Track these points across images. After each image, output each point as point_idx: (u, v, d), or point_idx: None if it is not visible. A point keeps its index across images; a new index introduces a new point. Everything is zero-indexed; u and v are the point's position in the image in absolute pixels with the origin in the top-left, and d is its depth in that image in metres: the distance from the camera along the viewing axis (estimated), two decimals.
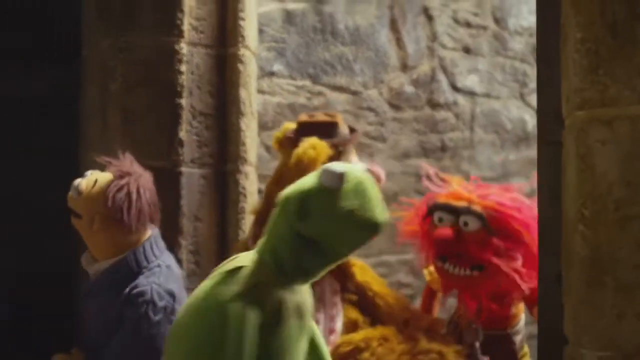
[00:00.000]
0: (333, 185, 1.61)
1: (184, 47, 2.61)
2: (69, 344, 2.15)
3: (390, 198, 3.46)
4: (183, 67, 2.61)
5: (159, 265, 2.10)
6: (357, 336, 2.32)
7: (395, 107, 3.57)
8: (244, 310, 1.58)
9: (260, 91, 3.11)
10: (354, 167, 1.71)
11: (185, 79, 2.61)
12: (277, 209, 1.69)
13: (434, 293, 2.71)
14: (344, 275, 2.47)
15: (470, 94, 3.82)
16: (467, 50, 3.82)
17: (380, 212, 1.65)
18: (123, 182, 2.07)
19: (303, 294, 1.67)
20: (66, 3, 2.72)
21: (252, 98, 2.75)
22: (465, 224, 2.28)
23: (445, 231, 2.31)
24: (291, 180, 2.22)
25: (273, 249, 1.65)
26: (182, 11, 2.60)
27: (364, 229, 1.64)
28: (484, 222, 2.27)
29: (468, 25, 3.83)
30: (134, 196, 2.07)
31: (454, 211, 2.31)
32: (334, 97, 3.39)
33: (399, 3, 3.57)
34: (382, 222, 1.64)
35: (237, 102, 2.69)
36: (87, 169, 2.51)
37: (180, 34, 2.60)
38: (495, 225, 2.29)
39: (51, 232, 2.61)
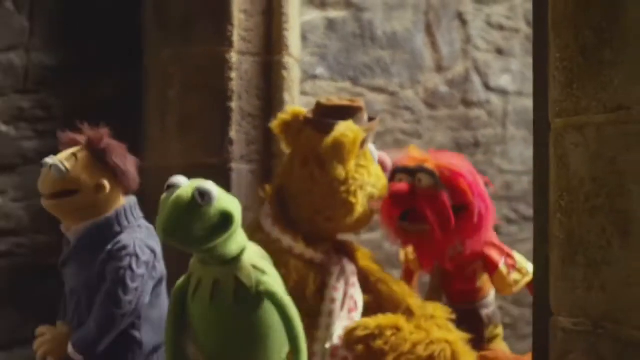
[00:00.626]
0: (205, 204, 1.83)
1: (233, 56, 2.89)
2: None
3: None
4: (233, 74, 2.89)
5: (139, 225, 2.20)
6: (371, 322, 2.34)
7: (430, 106, 3.82)
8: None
9: (304, 93, 3.37)
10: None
11: (234, 84, 2.89)
12: None
13: (412, 273, 2.84)
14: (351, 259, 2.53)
15: (503, 92, 4.05)
16: (499, 51, 4.05)
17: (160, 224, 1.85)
18: (110, 145, 2.19)
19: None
20: (127, 18, 3.02)
21: (295, 101, 3.03)
22: (420, 180, 2.41)
23: (400, 185, 2.44)
24: (320, 163, 2.36)
25: None
26: (232, 24, 2.89)
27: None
28: (435, 179, 2.40)
29: (501, 28, 4.06)
30: (127, 156, 2.22)
31: (410, 171, 2.44)
32: (373, 97, 3.65)
33: (434, 9, 3.82)
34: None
35: (281, 104, 2.97)
36: (150, 166, 2.81)
37: (230, 44, 2.88)
38: (445, 182, 2.41)
39: None
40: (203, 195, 1.80)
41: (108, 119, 2.58)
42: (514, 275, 2.63)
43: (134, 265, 2.10)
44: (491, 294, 2.74)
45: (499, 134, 4.03)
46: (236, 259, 1.92)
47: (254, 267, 1.94)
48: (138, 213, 2.24)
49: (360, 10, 3.60)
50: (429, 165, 2.44)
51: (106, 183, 2.16)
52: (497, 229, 3.86)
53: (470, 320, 2.59)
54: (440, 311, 2.46)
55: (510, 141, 4.06)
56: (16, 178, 2.79)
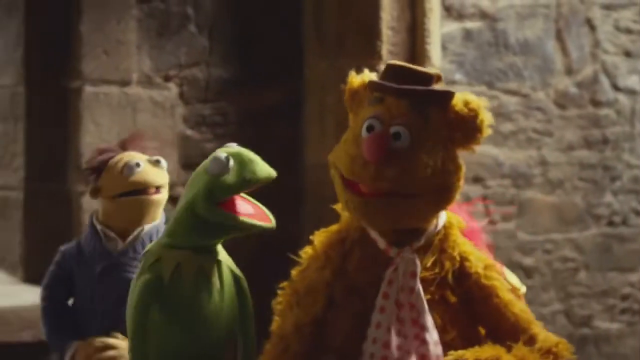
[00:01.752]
0: (222, 172, 1.64)
1: (382, 68, 3.33)
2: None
3: (556, 185, 4.08)
4: None
5: None
6: (469, 355, 1.65)
7: (560, 106, 4.14)
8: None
9: None
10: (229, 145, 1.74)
11: None
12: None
13: None
14: (443, 260, 1.76)
15: (631, 92, 4.32)
16: (627, 54, 4.32)
17: (261, 169, 1.69)
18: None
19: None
20: (289, 36, 3.51)
21: None
22: None
23: None
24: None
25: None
26: (381, 40, 3.31)
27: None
28: None
29: (629, 31, 4.33)
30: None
31: None
32: (507, 99, 4.01)
33: (564, 16, 4.14)
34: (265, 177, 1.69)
35: None
36: (310, 164, 3.30)
37: (379, 58, 3.30)
38: None
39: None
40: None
41: (274, 123, 3.06)
42: None
43: None
44: None
45: (627, 131, 4.29)
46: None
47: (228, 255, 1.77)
48: None
49: (494, 20, 3.95)
50: None
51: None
52: (625, 221, 4.17)
53: None
54: (563, 347, 1.76)
55: (638, 137, 4.32)
56: None
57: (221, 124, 3.39)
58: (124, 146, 2.12)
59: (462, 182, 1.73)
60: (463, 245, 1.74)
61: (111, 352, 1.97)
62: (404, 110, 1.68)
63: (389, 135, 1.66)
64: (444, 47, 3.77)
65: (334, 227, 1.78)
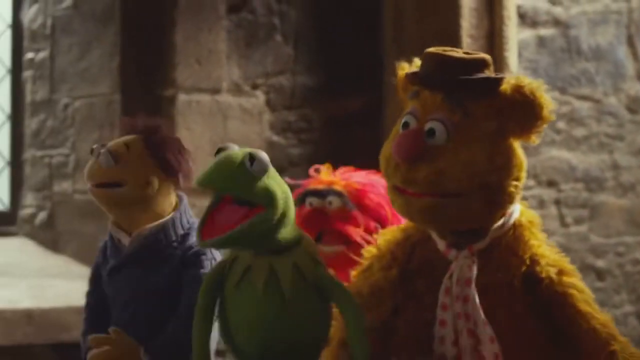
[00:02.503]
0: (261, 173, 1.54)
1: None
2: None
3: (628, 188, 4.15)
4: None
5: None
6: None
7: (632, 111, 4.20)
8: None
9: None
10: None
11: None
12: None
13: None
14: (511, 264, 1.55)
15: None
16: None
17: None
18: (166, 138, 1.87)
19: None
20: (369, 45, 3.63)
21: None
22: (330, 203, 2.29)
23: (311, 208, 2.29)
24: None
25: None
26: (460, 47, 3.41)
27: None
28: (344, 199, 2.29)
29: None
30: (182, 150, 1.88)
31: (320, 194, 2.32)
32: (579, 104, 4.08)
33: (635, 22, 4.20)
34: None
35: None
36: None
37: None
38: (355, 201, 2.29)
39: None
40: (253, 161, 1.53)
41: (356, 128, 3.16)
42: None
43: None
44: None
45: None
46: (293, 248, 1.62)
47: (312, 256, 1.63)
48: (190, 211, 1.94)
49: (567, 27, 4.03)
50: (338, 187, 2.31)
51: (155, 181, 1.86)
52: None
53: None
54: None
55: None
56: (286, 178, 3.46)
57: (306, 130, 3.52)
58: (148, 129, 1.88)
59: (519, 177, 1.53)
60: (536, 247, 1.54)
61: (95, 352, 1.79)
62: (439, 104, 1.51)
63: (421, 133, 1.51)
64: (519, 54, 3.85)
65: (399, 226, 1.68)
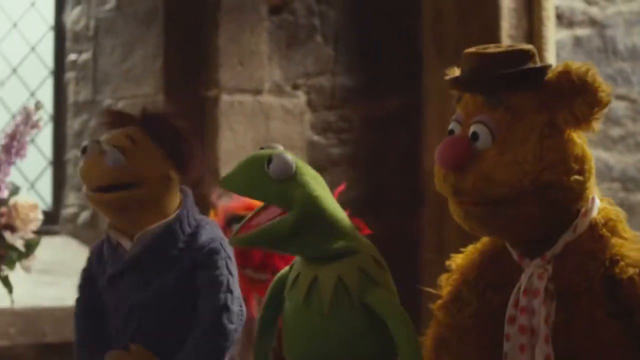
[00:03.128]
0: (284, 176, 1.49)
1: None
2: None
3: None
4: None
5: (207, 222, 1.74)
6: None
7: None
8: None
9: None
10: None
11: None
12: None
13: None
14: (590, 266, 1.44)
15: None
16: None
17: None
18: (179, 129, 1.68)
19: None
20: (409, 46, 3.66)
21: None
22: None
23: None
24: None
25: None
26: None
27: None
28: None
29: None
30: (192, 139, 1.71)
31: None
32: (615, 104, 4.09)
33: None
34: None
35: None
36: (430, 168, 3.43)
37: None
38: None
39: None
40: (270, 162, 1.46)
41: (395, 128, 3.17)
42: None
43: (231, 267, 1.68)
44: None
45: None
46: (342, 259, 1.52)
47: (365, 273, 1.51)
48: (196, 207, 1.76)
49: (603, 27, 4.05)
50: None
51: (174, 174, 1.67)
52: None
53: None
54: None
55: None
56: (326, 177, 3.48)
57: (346, 130, 3.55)
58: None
59: (581, 171, 1.46)
60: (618, 246, 1.43)
61: None
62: (480, 106, 1.43)
63: (465, 138, 1.43)
64: (556, 54, 3.87)
65: (470, 248, 1.57)
